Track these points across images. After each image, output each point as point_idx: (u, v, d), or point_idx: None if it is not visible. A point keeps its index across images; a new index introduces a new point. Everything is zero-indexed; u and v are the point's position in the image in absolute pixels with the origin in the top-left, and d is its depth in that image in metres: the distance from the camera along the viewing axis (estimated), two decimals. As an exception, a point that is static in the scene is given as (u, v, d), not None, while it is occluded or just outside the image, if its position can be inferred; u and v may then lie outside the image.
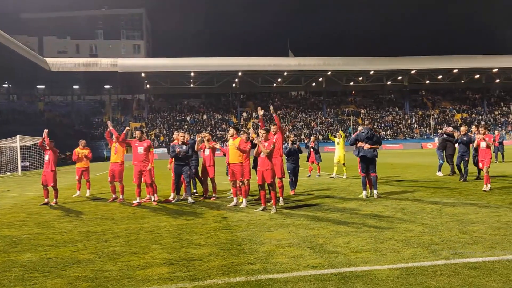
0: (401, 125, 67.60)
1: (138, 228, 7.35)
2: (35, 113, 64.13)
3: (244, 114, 69.25)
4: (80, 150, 13.70)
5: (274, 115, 9.92)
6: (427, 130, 66.04)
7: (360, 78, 70.01)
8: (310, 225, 7.20)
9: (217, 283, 4.32)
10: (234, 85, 69.64)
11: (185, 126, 64.30)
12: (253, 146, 9.78)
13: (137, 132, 11.04)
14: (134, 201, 10.53)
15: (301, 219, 7.81)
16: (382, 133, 64.09)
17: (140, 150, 10.67)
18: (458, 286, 4.02)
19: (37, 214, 9.70)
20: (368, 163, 10.38)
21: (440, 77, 70.39)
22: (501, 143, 22.53)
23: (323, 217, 7.89)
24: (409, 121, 69.20)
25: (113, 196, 11.68)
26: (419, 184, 13.21)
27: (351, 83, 71.83)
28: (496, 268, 4.50)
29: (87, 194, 13.36)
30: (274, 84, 70.46)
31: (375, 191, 10.43)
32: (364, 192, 10.42)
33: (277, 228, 7.00)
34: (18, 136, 29.58)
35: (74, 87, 70.62)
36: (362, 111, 71.82)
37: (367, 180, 10.51)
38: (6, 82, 64.77)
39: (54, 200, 11.41)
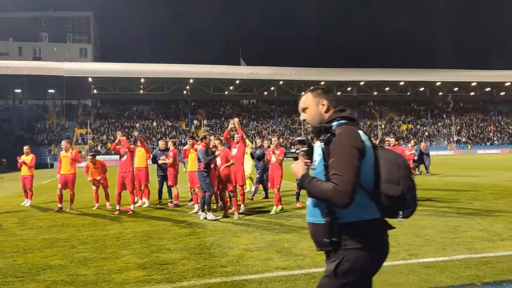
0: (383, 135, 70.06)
1: (103, 235, 7.30)
2: (-27, 117, 60.55)
3: (195, 122, 68.89)
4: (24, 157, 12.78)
5: (237, 126, 10.13)
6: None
7: (311, 88, 71.66)
8: (274, 230, 7.46)
9: (194, 285, 4.47)
10: (185, 92, 69.12)
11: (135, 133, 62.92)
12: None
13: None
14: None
15: (264, 224, 8.05)
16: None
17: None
18: (416, 282, 4.41)
19: (-11, 222, 9.31)
20: None
21: (387, 89, 73.56)
22: (427, 155, 21.62)
23: (285, 223, 8.18)
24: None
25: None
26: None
27: (302, 93, 73.05)
28: (448, 266, 4.95)
29: (28, 204, 12.44)
30: (226, 92, 70.67)
31: None
32: None
33: (242, 234, 7.20)
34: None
35: (16, 90, 67.26)
36: (312, 120, 73.53)
37: None
38: None
39: None
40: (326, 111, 2.48)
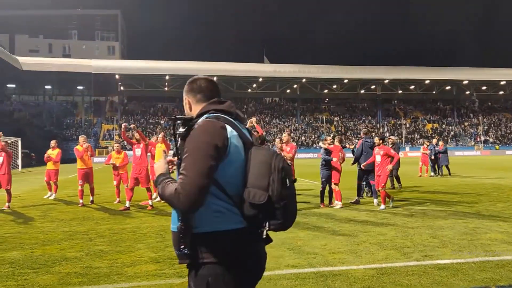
0: (373, 134, 69.08)
1: (120, 229, 7.45)
2: (4, 112, 62.42)
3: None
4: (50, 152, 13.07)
5: (256, 125, 10.25)
6: (398, 140, 67.78)
7: (334, 86, 71.19)
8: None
9: (203, 280, 4.52)
10: (209, 89, 69.52)
11: (158, 130, 63.87)
12: None
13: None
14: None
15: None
16: (355, 141, 65.31)
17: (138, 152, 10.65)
18: (428, 284, 4.35)
19: (15, 214, 9.63)
20: (366, 172, 10.90)
21: (412, 87, 72.32)
22: (444, 153, 19.79)
23: (300, 221, 8.17)
24: (381, 130, 70.78)
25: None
26: (391, 191, 13.67)
27: (325, 91, 72.95)
28: (463, 269, 4.86)
29: (52, 197, 12.75)
30: (249, 90, 70.84)
31: (375, 200, 10.68)
32: (357, 198, 10.89)
33: (257, 230, 7.23)
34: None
35: (46, 87, 69.09)
36: (336, 118, 73.02)
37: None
38: (-26, 79, 62.96)
39: (7, 204, 10.65)
40: (190, 109, 2.16)
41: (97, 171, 13.33)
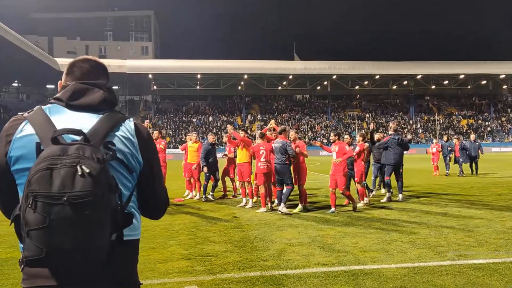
0: (406, 130, 67.64)
1: (154, 225, 7.59)
2: (44, 112, 64.66)
3: (249, 116, 69.54)
4: None
5: (275, 126, 10.27)
6: (432, 136, 66.05)
7: (366, 82, 70.10)
8: (318, 226, 7.44)
9: (234, 277, 4.57)
10: (239, 87, 69.93)
11: (191, 128, 64.71)
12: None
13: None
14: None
15: (309, 220, 8.05)
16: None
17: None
18: (463, 284, 4.24)
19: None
20: (396, 168, 10.81)
21: (446, 82, 70.33)
22: (464, 150, 18.49)
23: (331, 219, 8.13)
24: (414, 126, 69.21)
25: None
26: (424, 188, 13.39)
27: (356, 87, 71.97)
28: (499, 269, 4.72)
29: None
30: (279, 87, 70.70)
31: (400, 195, 10.68)
32: (389, 194, 10.68)
33: (286, 228, 7.25)
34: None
35: (83, 87, 71.08)
36: (367, 115, 71.90)
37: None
38: (16, 81, 65.38)
39: None
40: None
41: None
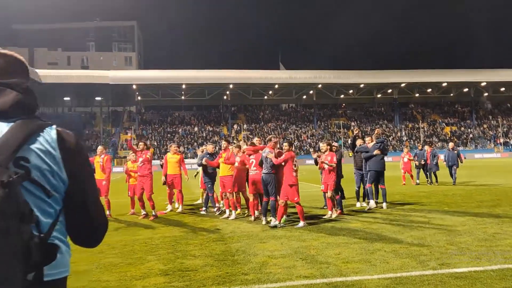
0: (391, 138, 68.29)
1: (132, 240, 7.43)
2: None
3: (235, 126, 69.50)
4: None
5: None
6: (417, 143, 66.80)
7: (351, 91, 70.73)
8: (301, 236, 7.36)
9: (212, 293, 4.45)
10: (225, 97, 69.92)
11: (176, 138, 64.34)
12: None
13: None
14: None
15: (292, 231, 7.96)
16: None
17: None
18: (444, 295, 4.20)
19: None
20: (379, 175, 10.80)
21: (429, 90, 71.38)
22: (433, 157, 17.72)
23: (314, 229, 8.05)
24: (399, 134, 69.93)
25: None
26: (407, 196, 13.43)
27: (342, 96, 72.57)
28: (481, 277, 4.68)
29: None
30: (265, 97, 70.89)
31: (384, 204, 10.73)
32: (372, 201, 10.62)
33: (269, 240, 7.15)
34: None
35: (65, 98, 70.31)
36: (353, 123, 72.45)
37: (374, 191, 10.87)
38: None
39: None
40: None
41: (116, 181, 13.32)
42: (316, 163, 10.10)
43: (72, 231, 1.39)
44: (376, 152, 10.73)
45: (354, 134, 11.85)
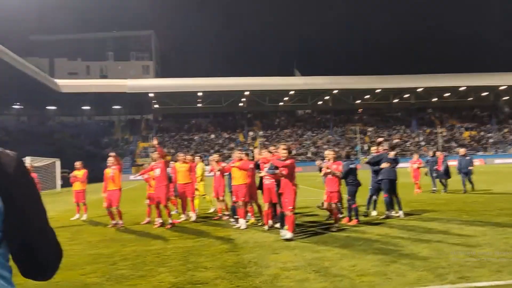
0: (408, 143, 67.38)
1: (145, 251, 7.39)
2: (45, 134, 64.82)
3: (251, 133, 69.51)
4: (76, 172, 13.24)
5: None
6: (436, 149, 65.73)
7: (367, 96, 70.16)
8: (316, 247, 7.21)
9: (222, 308, 4.36)
10: (241, 104, 70.11)
11: (192, 146, 64.66)
12: (257, 167, 10.07)
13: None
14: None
15: (306, 241, 7.81)
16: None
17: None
18: (463, 310, 4.02)
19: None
20: (393, 184, 10.56)
21: (447, 94, 70.33)
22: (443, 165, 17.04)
23: (329, 239, 7.89)
24: (416, 139, 68.96)
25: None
26: (426, 204, 13.12)
27: (358, 101, 72.05)
28: (502, 292, 4.49)
29: (84, 218, 12.84)
30: (281, 103, 70.82)
31: (401, 212, 10.52)
32: (388, 212, 10.41)
33: (282, 251, 7.02)
34: (28, 158, 29.87)
35: (84, 107, 71.43)
36: (369, 129, 71.77)
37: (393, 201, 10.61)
38: (17, 103, 65.74)
39: None
40: None
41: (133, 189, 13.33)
42: (320, 170, 9.81)
43: (17, 264, 1.26)
44: (384, 165, 10.52)
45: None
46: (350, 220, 9.78)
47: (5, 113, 67.27)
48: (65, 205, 17.77)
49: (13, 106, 67.16)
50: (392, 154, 11.01)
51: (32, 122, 69.13)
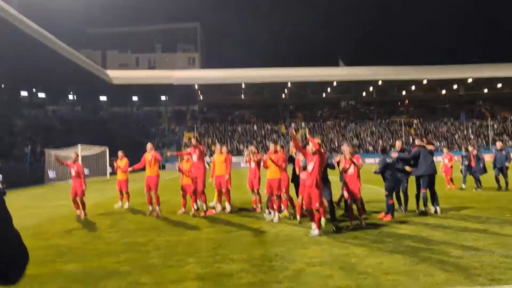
0: (456, 136, 64.82)
1: (178, 241, 7.62)
2: (98, 123, 67.51)
3: (293, 125, 69.28)
4: (120, 161, 13.83)
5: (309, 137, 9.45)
6: (484, 142, 62.75)
7: (413, 88, 68.00)
8: (345, 243, 7.17)
9: (242, 300, 4.46)
10: (283, 95, 69.94)
11: (236, 137, 65.32)
12: (291, 160, 10.10)
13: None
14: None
15: (337, 236, 7.78)
16: (437, 144, 61.66)
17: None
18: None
19: (87, 224, 10.31)
20: (433, 179, 10.30)
21: (499, 85, 66.85)
22: (478, 160, 16.17)
23: (360, 235, 7.81)
24: (465, 132, 66.20)
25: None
26: (467, 201, 12.65)
27: (403, 93, 69.99)
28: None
29: (126, 206, 13.32)
30: (324, 94, 70.01)
31: (438, 207, 10.24)
32: (426, 208, 10.16)
33: (311, 245, 7.03)
34: (79, 145, 31.24)
35: (133, 98, 73.87)
36: (415, 121, 69.62)
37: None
38: (71, 93, 68.93)
39: (82, 212, 11.37)
40: None
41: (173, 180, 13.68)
42: (338, 165, 9.42)
43: None
44: (408, 168, 10.26)
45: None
46: (389, 215, 9.62)
47: (61, 103, 70.76)
48: (111, 193, 18.52)
49: (69, 97, 70.47)
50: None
51: (86, 112, 72.17)
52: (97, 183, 26.22)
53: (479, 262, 5.69)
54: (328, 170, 9.22)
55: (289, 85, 64.22)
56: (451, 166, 16.83)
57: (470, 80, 63.77)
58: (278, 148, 10.24)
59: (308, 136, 8.27)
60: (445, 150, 17.74)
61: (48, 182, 28.39)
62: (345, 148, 9.27)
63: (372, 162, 46.89)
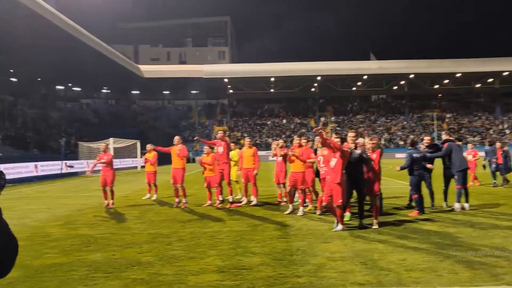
0: (491, 131, 62.68)
1: (201, 233, 7.70)
2: (130, 116, 68.94)
3: (323, 119, 68.69)
4: (147, 155, 14.03)
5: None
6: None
7: (446, 81, 66.11)
8: (368, 238, 7.08)
9: (260, 294, 4.48)
10: (313, 89, 69.38)
11: (265, 131, 65.34)
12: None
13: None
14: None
15: (361, 231, 7.69)
16: (470, 139, 59.83)
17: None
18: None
19: (115, 214, 10.56)
20: (466, 174, 10.06)
21: (538, 78, 64.19)
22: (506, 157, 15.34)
23: (384, 230, 7.69)
24: (500, 126, 63.90)
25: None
26: (500, 197, 12.25)
27: (436, 86, 68.17)
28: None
29: (154, 198, 13.56)
30: (354, 88, 69.05)
31: (466, 204, 9.99)
32: (458, 204, 9.86)
33: (334, 240, 6.97)
34: (111, 139, 32.02)
35: (164, 92, 74.93)
36: (448, 115, 67.73)
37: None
38: (105, 87, 70.60)
39: (111, 201, 11.71)
40: None
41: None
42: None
43: None
44: (429, 166, 9.98)
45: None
46: (415, 211, 9.41)
47: (95, 97, 72.63)
48: (141, 185, 18.98)
49: (102, 91, 72.22)
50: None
51: (119, 106, 73.82)
52: (128, 175, 26.82)
53: (507, 261, 5.51)
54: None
55: (318, 78, 63.61)
56: (476, 163, 16.23)
57: (505, 73, 61.47)
58: (303, 142, 10.17)
59: (320, 130, 7.73)
60: (469, 146, 17.17)
61: (81, 174, 29.21)
62: (361, 141, 8.77)
63: (403, 157, 46.03)
